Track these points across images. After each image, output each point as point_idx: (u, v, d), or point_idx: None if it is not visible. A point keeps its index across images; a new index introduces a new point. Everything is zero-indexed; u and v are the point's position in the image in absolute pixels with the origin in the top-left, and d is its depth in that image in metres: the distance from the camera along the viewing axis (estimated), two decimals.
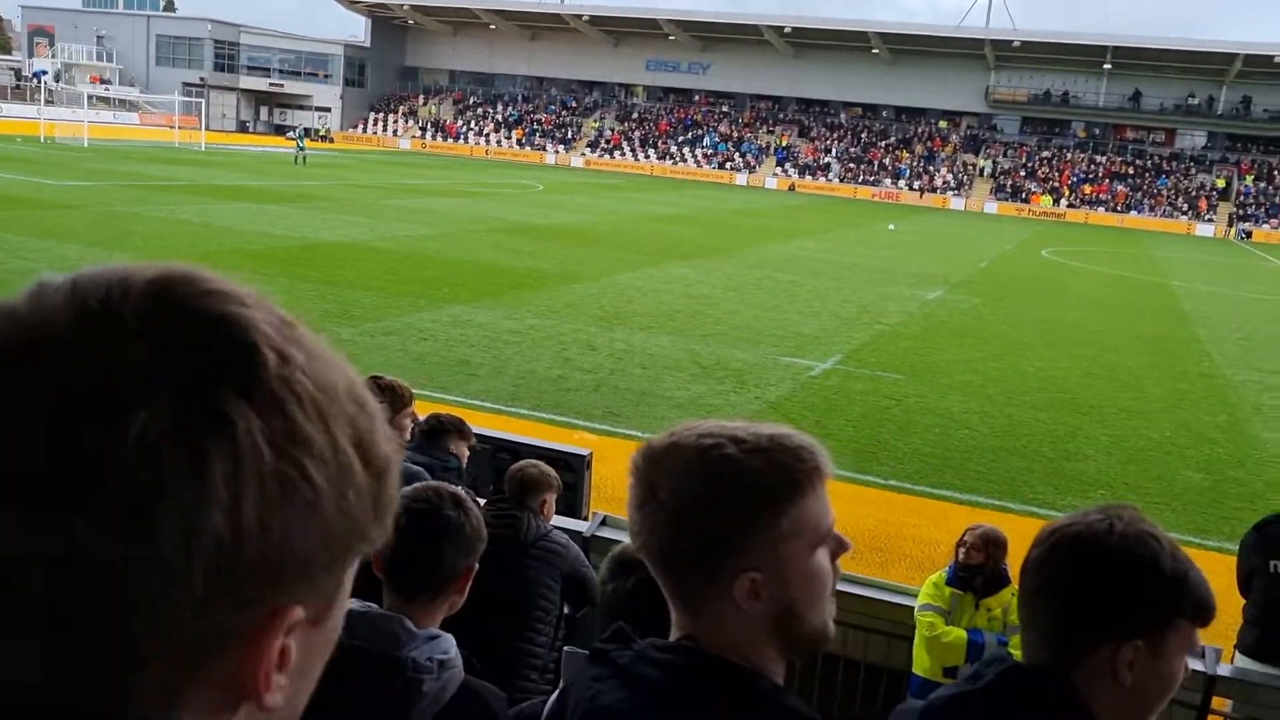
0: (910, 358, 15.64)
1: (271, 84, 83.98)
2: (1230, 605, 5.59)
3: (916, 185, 73.09)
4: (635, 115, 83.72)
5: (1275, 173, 71.02)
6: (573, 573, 4.22)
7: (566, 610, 4.33)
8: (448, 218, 30.16)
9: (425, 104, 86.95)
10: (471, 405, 11.01)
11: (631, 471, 1.30)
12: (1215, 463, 11.32)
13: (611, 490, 8.65)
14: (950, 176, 73.79)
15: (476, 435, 6.30)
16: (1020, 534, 8.02)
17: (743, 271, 23.96)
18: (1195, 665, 4.74)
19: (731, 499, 1.24)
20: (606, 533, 5.58)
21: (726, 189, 66.27)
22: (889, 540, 8.29)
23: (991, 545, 5.25)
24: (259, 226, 24.35)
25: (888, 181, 73.77)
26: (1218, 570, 5.71)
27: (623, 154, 79.04)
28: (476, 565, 2.34)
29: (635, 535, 1.31)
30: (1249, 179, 70.65)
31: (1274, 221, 66.17)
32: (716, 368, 13.80)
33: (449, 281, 18.90)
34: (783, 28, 73.96)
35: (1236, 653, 5.14)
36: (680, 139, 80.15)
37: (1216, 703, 4.77)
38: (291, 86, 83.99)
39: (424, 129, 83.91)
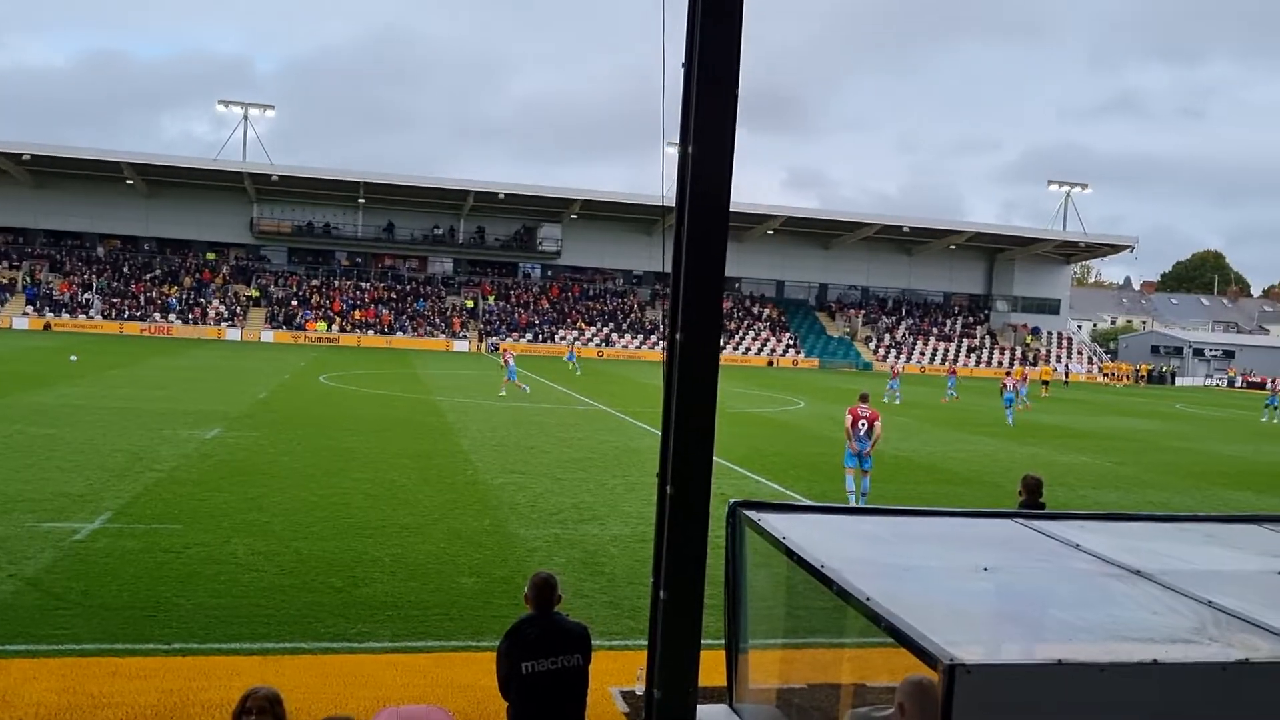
0: (190, 504, 14.96)
1: None
2: (502, 702, 6.14)
3: (189, 318, 70.83)
4: None
5: (510, 292, 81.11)
6: None
7: None
8: None
9: None
10: None
11: None
12: (484, 565, 12.40)
13: None
14: (224, 308, 72.72)
15: None
16: (315, 671, 8.01)
17: None
18: None
19: None
20: None
21: None
22: (174, 711, 7.76)
23: (275, 704, 5.19)
24: None
25: (157, 315, 70.47)
26: (492, 669, 6.23)
27: None
28: None
29: None
30: (491, 299, 79.79)
31: (515, 335, 75.26)
32: None
33: None
34: (20, 155, 67.54)
35: None
36: None
37: None
38: None
39: None
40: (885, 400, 42.12)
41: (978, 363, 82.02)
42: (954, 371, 51.40)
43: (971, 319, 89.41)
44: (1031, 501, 9.62)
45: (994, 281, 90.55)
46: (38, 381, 31.80)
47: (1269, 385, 58.15)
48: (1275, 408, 46.43)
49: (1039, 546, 5.11)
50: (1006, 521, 5.60)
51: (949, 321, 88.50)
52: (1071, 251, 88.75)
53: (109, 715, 7.66)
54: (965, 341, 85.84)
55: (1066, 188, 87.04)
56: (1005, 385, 37.86)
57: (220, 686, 8.13)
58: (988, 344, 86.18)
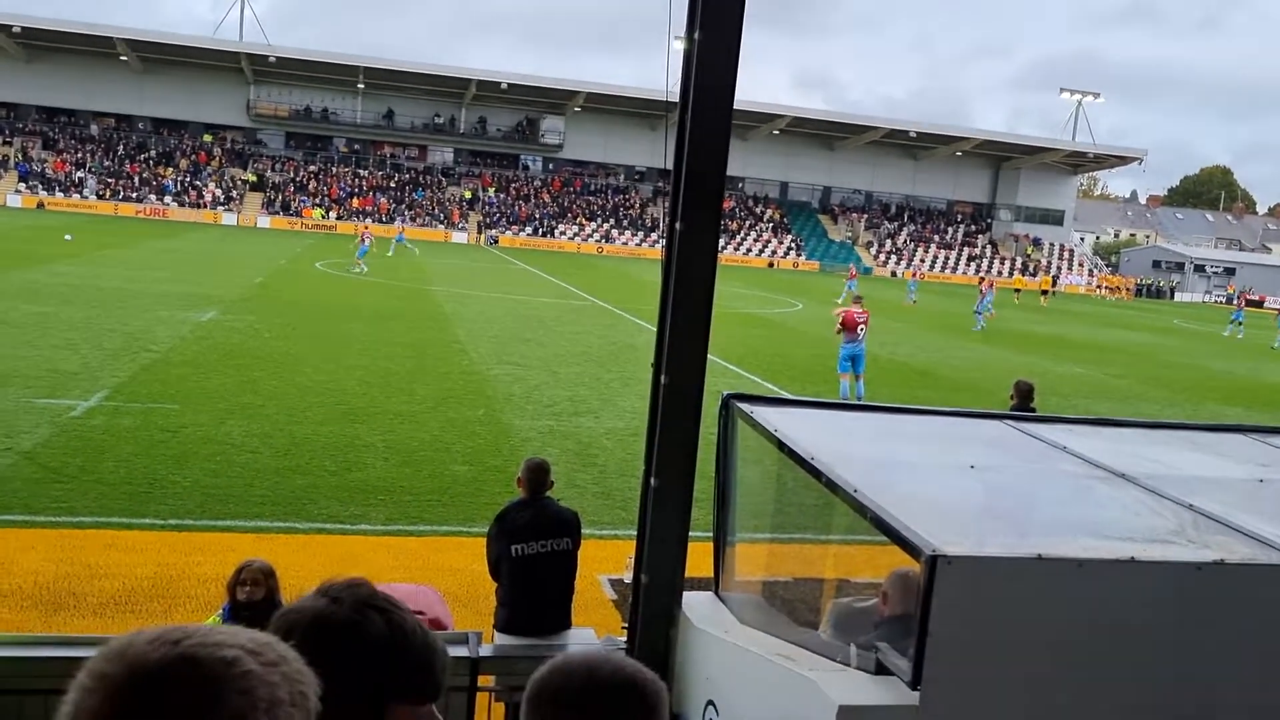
0: (185, 385, 15.03)
1: None
2: (491, 586, 6.26)
3: (185, 201, 70.21)
4: None
5: (511, 185, 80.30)
6: None
7: None
8: None
9: None
10: None
11: None
12: (478, 454, 12.53)
13: None
14: (219, 191, 72.04)
15: None
16: (309, 552, 8.12)
17: None
18: (459, 651, 5.23)
19: None
20: None
21: None
22: (170, 584, 7.91)
23: (269, 576, 5.29)
24: None
25: (152, 197, 69.83)
26: (482, 554, 6.34)
27: None
28: None
29: None
30: (491, 190, 79.04)
31: (515, 228, 74.79)
32: None
33: None
34: (11, 27, 66.09)
35: (495, 632, 5.75)
36: None
37: (482, 680, 5.30)
38: None
39: None
40: (908, 303, 43.92)
41: (976, 271, 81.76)
42: (915, 277, 55.70)
43: (974, 227, 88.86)
44: (1023, 406, 9.68)
45: (998, 190, 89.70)
46: (32, 259, 31.66)
47: (1235, 301, 58.42)
48: (1240, 323, 46.48)
49: (1027, 448, 5.15)
50: (996, 423, 5.62)
51: (951, 229, 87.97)
52: (1079, 162, 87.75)
53: (105, 585, 7.80)
54: (966, 250, 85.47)
55: (1078, 96, 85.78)
56: (982, 292, 38.17)
57: (215, 561, 8.27)
58: (989, 253, 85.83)
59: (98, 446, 11.43)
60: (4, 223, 48.63)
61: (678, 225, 4.89)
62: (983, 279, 49.85)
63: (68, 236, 41.75)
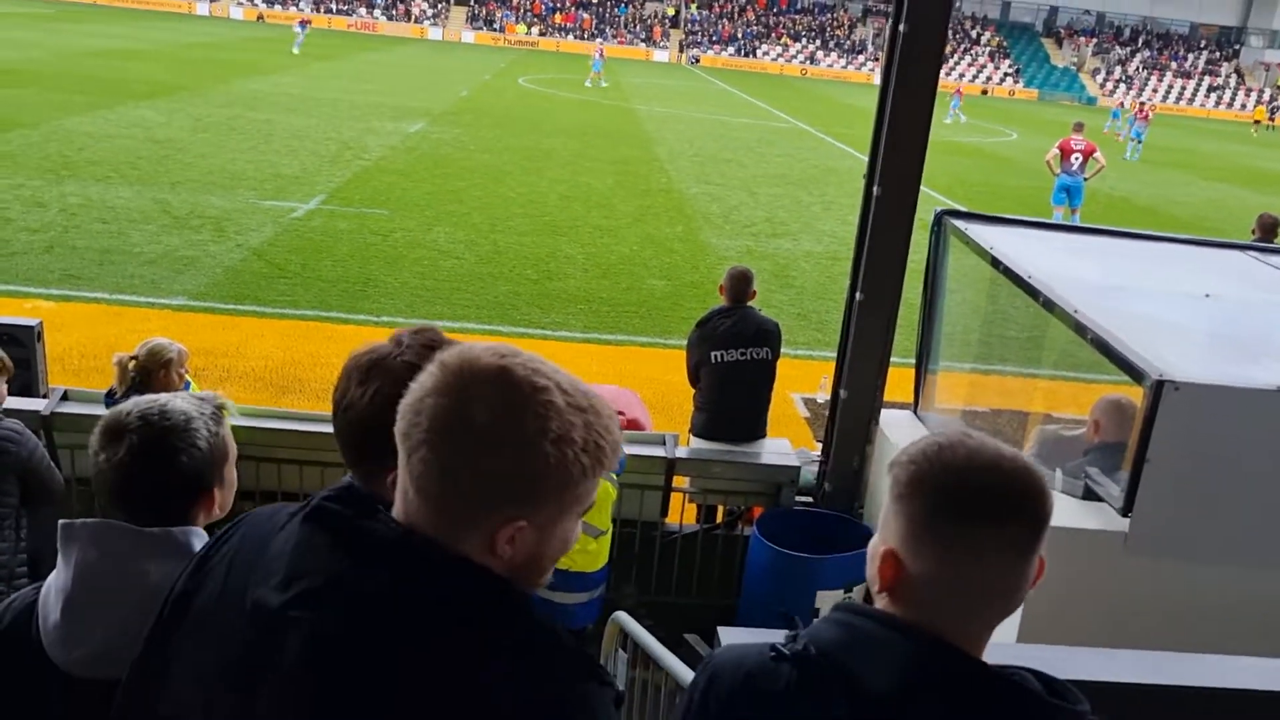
0: (395, 192, 15.58)
1: None
2: (685, 396, 6.35)
3: (393, 15, 71.31)
4: None
5: (714, 2, 77.76)
6: (29, 466, 3.73)
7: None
8: None
9: None
10: None
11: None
12: (674, 270, 12.59)
13: (77, 361, 7.91)
14: (426, 6, 72.73)
15: None
16: None
17: (212, 111, 22.24)
18: (656, 451, 5.35)
19: None
20: (70, 408, 5.10)
21: (186, 19, 60.37)
22: None
23: None
24: None
25: (363, 11, 71.18)
26: (679, 367, 6.41)
27: None
28: None
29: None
30: (694, 7, 76.84)
31: (717, 47, 72.86)
32: (191, 217, 12.85)
33: None
34: None
35: (691, 436, 5.85)
36: None
37: (677, 480, 5.43)
38: None
39: None
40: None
41: (1217, 104, 75.00)
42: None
43: (1218, 54, 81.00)
44: (1266, 240, 8.95)
45: (1252, 11, 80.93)
46: (254, 69, 33.00)
47: None
48: None
49: (1271, 280, 4.75)
50: (1237, 253, 5.20)
51: (1191, 56, 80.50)
52: None
53: (325, 374, 8.32)
54: (1207, 80, 78.24)
55: None
56: (1139, 119, 34.43)
57: None
58: (1233, 84, 78.35)
59: (316, 246, 12.05)
60: (229, 34, 50.67)
61: (901, 27, 4.60)
62: (1143, 104, 45.80)
63: (298, 43, 42.70)
